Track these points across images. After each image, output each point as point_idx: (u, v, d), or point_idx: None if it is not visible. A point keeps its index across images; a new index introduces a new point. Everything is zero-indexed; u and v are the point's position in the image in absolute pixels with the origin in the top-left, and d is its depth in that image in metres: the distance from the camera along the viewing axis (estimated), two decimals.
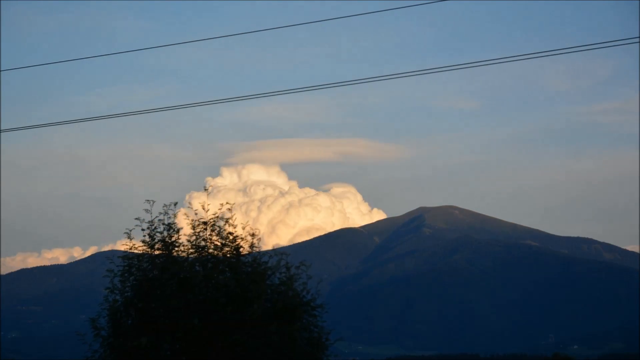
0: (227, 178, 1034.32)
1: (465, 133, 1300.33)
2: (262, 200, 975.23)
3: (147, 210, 35.71)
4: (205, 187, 37.27)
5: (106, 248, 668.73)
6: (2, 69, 55.11)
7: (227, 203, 36.27)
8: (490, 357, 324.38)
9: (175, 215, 35.87)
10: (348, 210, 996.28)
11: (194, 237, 35.50)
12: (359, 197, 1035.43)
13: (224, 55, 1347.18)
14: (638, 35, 33.20)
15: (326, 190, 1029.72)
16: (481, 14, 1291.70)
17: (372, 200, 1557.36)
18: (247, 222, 36.30)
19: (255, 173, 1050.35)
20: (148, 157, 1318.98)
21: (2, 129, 44.20)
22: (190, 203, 36.70)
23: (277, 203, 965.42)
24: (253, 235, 35.87)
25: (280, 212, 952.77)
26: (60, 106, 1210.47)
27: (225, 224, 35.68)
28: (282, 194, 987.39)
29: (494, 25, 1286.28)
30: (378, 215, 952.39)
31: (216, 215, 35.83)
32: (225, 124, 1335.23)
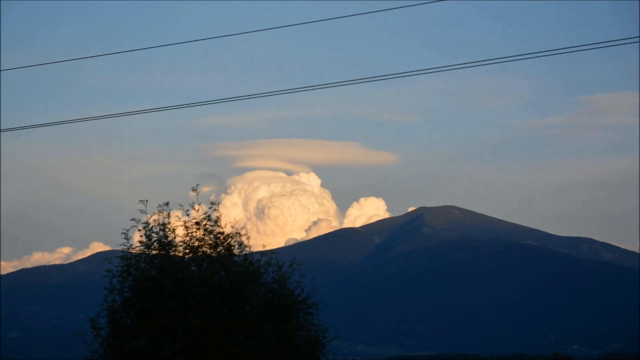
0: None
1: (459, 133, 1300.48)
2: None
3: (142, 211, 35.85)
4: (193, 187, 37.00)
5: (105, 248, 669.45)
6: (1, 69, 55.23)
7: (212, 204, 36.37)
8: (490, 357, 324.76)
9: (169, 215, 35.96)
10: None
11: (187, 238, 35.62)
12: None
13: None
14: (638, 36, 33.27)
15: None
16: (476, 14, 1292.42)
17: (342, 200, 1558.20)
18: (234, 219, 36.38)
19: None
20: (143, 161, 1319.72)
21: (2, 128, 44.28)
22: (180, 205, 36.74)
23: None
24: (240, 234, 35.96)
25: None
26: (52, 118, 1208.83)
27: (214, 225, 35.79)
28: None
29: (488, 25, 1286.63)
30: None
31: (206, 214, 35.94)
32: (203, 129, 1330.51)
